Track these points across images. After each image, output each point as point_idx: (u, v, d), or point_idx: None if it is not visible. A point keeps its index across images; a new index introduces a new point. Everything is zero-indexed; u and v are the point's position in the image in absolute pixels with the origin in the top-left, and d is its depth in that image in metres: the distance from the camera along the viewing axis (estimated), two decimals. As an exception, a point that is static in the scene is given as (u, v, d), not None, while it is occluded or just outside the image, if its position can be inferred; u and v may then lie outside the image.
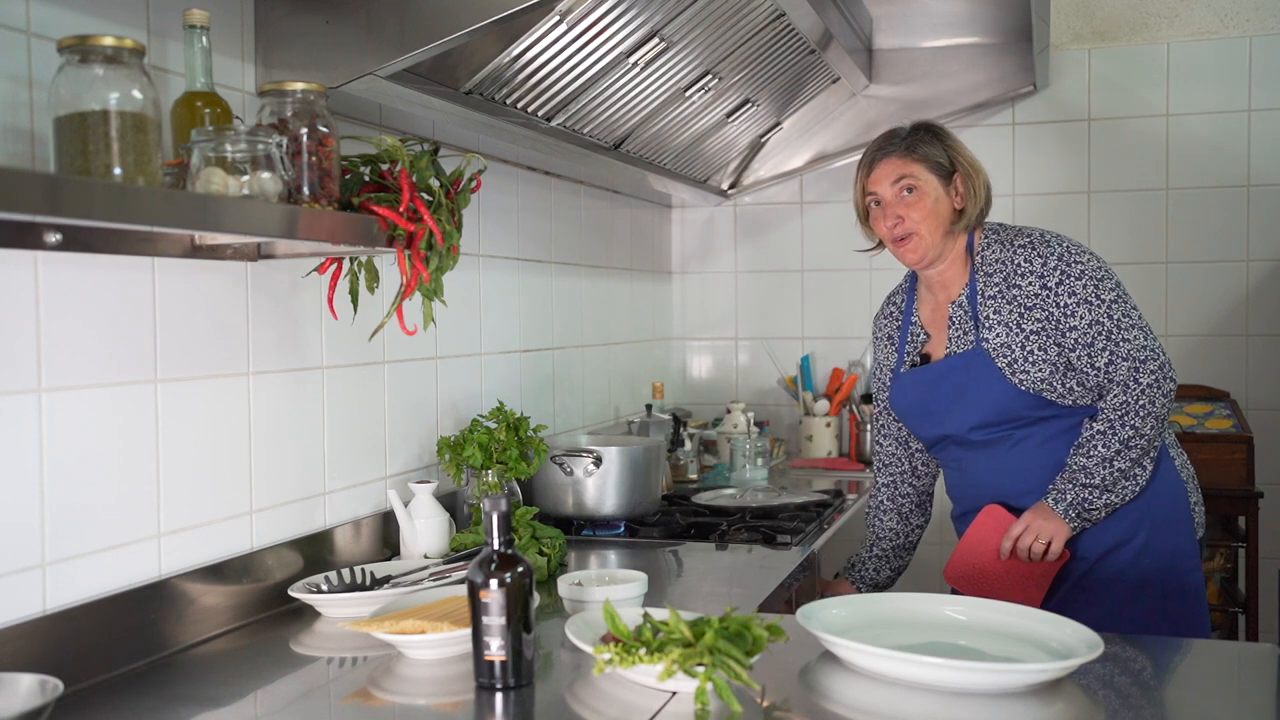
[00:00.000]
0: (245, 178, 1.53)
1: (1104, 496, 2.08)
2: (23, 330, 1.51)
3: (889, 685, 1.50)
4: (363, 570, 2.00)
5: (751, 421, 3.66)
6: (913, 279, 2.35)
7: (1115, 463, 2.06)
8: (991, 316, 2.15)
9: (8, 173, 1.24)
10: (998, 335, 2.13)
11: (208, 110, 1.63)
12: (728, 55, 2.82)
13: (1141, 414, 2.06)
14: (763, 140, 3.75)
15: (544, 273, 3.07)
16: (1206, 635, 2.19)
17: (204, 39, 1.65)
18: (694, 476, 3.46)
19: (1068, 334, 2.09)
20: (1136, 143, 3.70)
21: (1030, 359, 2.10)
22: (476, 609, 1.50)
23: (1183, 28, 3.65)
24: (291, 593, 1.90)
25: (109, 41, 1.36)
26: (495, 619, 1.49)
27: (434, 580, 1.94)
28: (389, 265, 2.09)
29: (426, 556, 2.17)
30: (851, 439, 3.81)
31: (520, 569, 1.50)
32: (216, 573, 1.82)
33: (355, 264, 1.99)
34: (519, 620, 1.50)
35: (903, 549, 2.42)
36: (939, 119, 2.33)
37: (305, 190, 1.66)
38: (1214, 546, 3.42)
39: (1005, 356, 2.12)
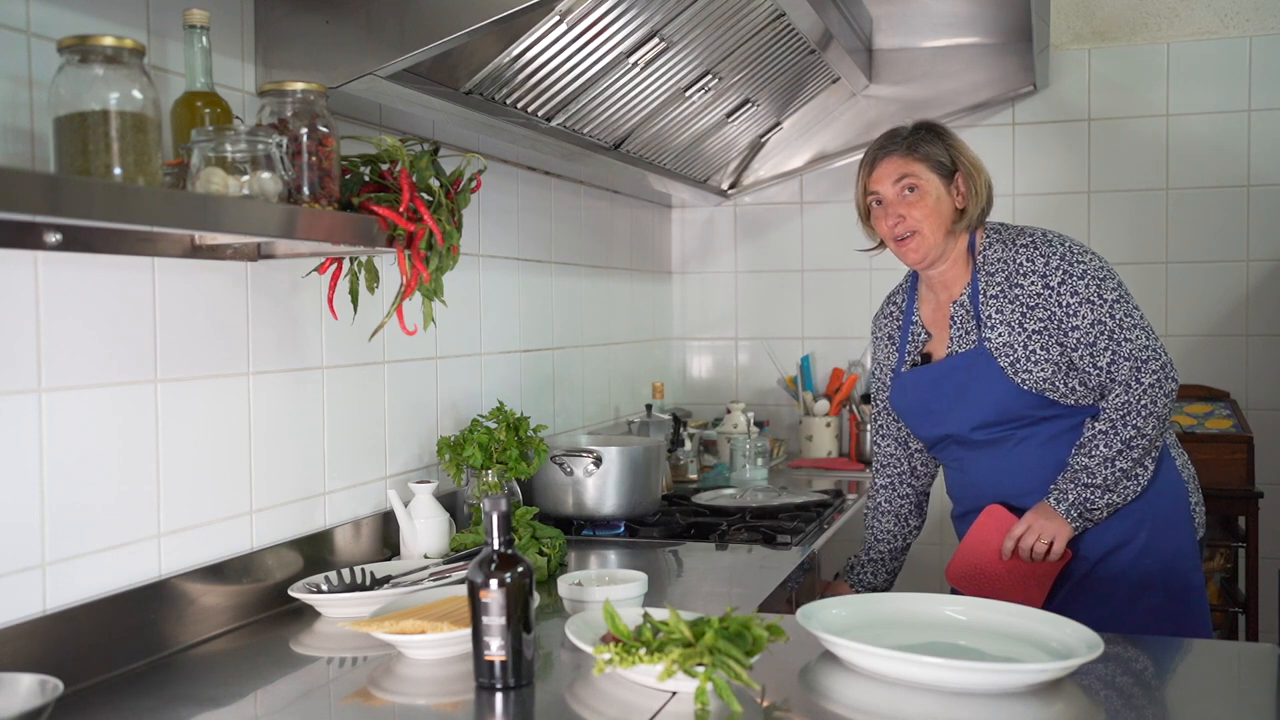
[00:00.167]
0: (245, 178, 1.53)
1: (1106, 496, 2.07)
2: (23, 330, 1.51)
3: (889, 685, 1.50)
4: (363, 570, 2.00)
5: (751, 421, 3.66)
6: (913, 279, 2.35)
7: (1117, 463, 2.06)
8: (994, 316, 2.15)
9: (8, 173, 1.24)
10: (1000, 335, 2.13)
11: (208, 110, 1.63)
12: (728, 55, 2.82)
13: (1143, 414, 2.06)
14: (763, 140, 3.75)
15: (544, 273, 3.07)
16: (1209, 635, 2.19)
17: (204, 39, 1.65)
18: (694, 476, 3.46)
19: (1070, 333, 2.09)
20: (1136, 143, 3.70)
21: (1032, 358, 2.10)
22: (476, 609, 1.50)
23: (1183, 28, 3.65)
24: (291, 593, 1.90)
25: (109, 41, 1.36)
26: (495, 619, 1.49)
27: (434, 580, 1.94)
28: (389, 265, 2.09)
29: (426, 556, 2.17)
30: (851, 439, 3.81)
31: (520, 569, 1.50)
32: (216, 573, 1.82)
33: (355, 264, 1.99)
34: (519, 620, 1.50)
35: (899, 550, 2.42)
36: (939, 119, 2.32)
37: (305, 190, 1.66)
38: (1214, 546, 3.42)
39: (1007, 356, 2.12)
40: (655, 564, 2.36)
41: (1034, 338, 2.11)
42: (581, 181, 3.32)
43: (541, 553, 2.21)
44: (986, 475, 2.22)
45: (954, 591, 2.25)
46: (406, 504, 2.20)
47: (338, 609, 1.88)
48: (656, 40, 2.49)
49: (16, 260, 1.50)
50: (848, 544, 2.89)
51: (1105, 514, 2.10)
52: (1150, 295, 3.65)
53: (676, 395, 4.12)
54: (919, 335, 2.30)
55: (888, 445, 2.41)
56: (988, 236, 2.21)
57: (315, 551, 2.05)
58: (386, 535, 2.25)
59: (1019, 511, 2.16)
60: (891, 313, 2.38)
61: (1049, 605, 2.11)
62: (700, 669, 1.40)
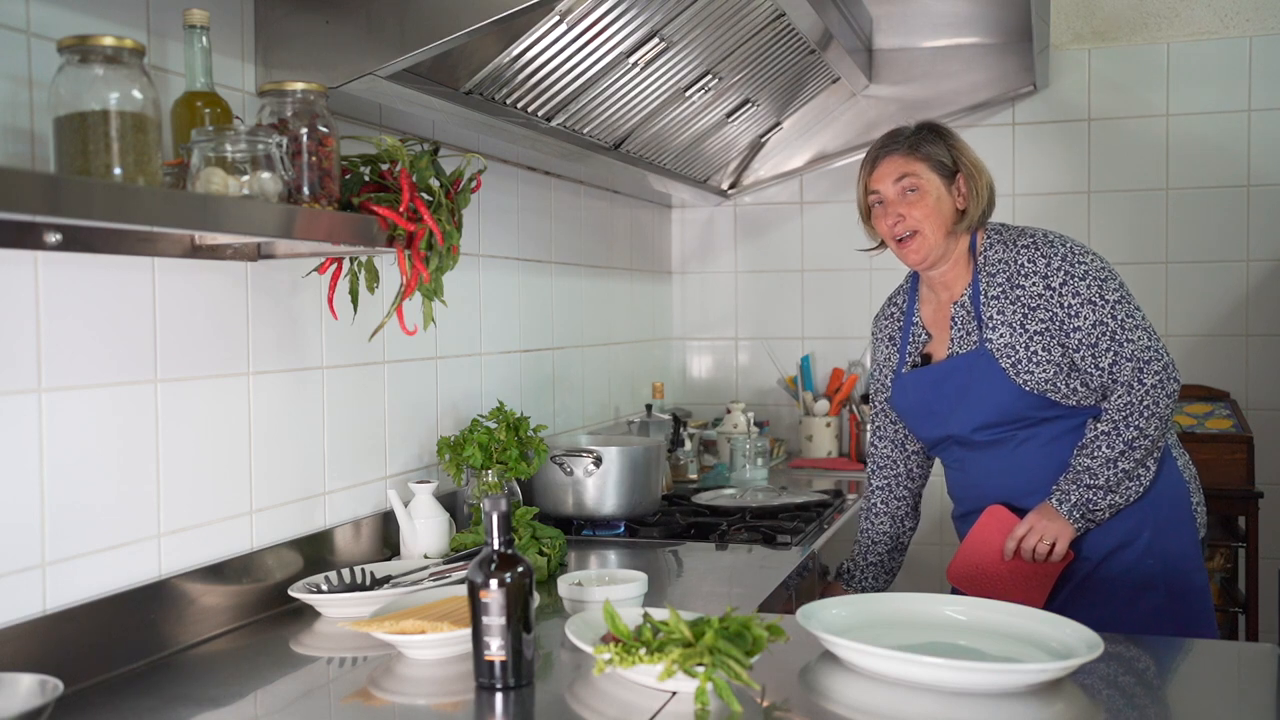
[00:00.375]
0: (245, 178, 1.53)
1: (1108, 497, 2.07)
2: (23, 330, 1.51)
3: (889, 685, 1.50)
4: (363, 570, 2.00)
5: (751, 421, 3.66)
6: (914, 279, 2.35)
7: (1119, 463, 2.06)
8: (995, 317, 2.14)
9: (8, 173, 1.24)
10: (1001, 336, 2.13)
11: (208, 110, 1.63)
12: (728, 55, 2.82)
13: (1145, 415, 2.06)
14: (763, 140, 3.75)
15: (544, 273, 3.07)
16: (1213, 635, 2.19)
17: (204, 39, 1.65)
18: (694, 476, 3.46)
19: (1071, 334, 2.09)
20: (1136, 143, 3.70)
21: (1034, 359, 2.10)
22: (476, 609, 1.50)
23: (1183, 28, 3.65)
24: (291, 593, 1.90)
25: (109, 41, 1.36)
26: (495, 619, 1.49)
27: (434, 580, 1.94)
28: (389, 265, 2.09)
29: (426, 556, 2.17)
30: (851, 439, 3.81)
31: (520, 569, 1.50)
32: (216, 573, 1.82)
33: (355, 264, 1.99)
34: (519, 620, 1.50)
35: (895, 551, 2.42)
36: (939, 119, 2.32)
37: (305, 190, 1.66)
38: (1214, 546, 3.42)
39: (1009, 357, 2.12)
40: (655, 564, 2.36)
41: (1035, 339, 2.10)
42: (581, 181, 3.32)
43: (541, 553, 2.21)
44: (988, 476, 2.22)
45: (955, 591, 2.24)
46: (406, 504, 2.20)
47: (338, 609, 1.88)
48: (656, 40, 2.49)
49: (16, 260, 1.50)
50: (848, 544, 2.88)
51: (1107, 515, 2.10)
52: (1150, 295, 3.65)
53: (676, 395, 4.12)
54: (920, 336, 2.30)
55: (885, 447, 2.41)
56: (989, 237, 2.21)
57: (315, 551, 2.05)
58: (386, 535, 2.25)
59: (1020, 512, 2.16)
60: (892, 313, 2.38)
61: (1051, 606, 2.11)
62: (700, 669, 1.40)
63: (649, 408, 3.51)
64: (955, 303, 2.22)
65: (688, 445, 3.46)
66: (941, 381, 2.21)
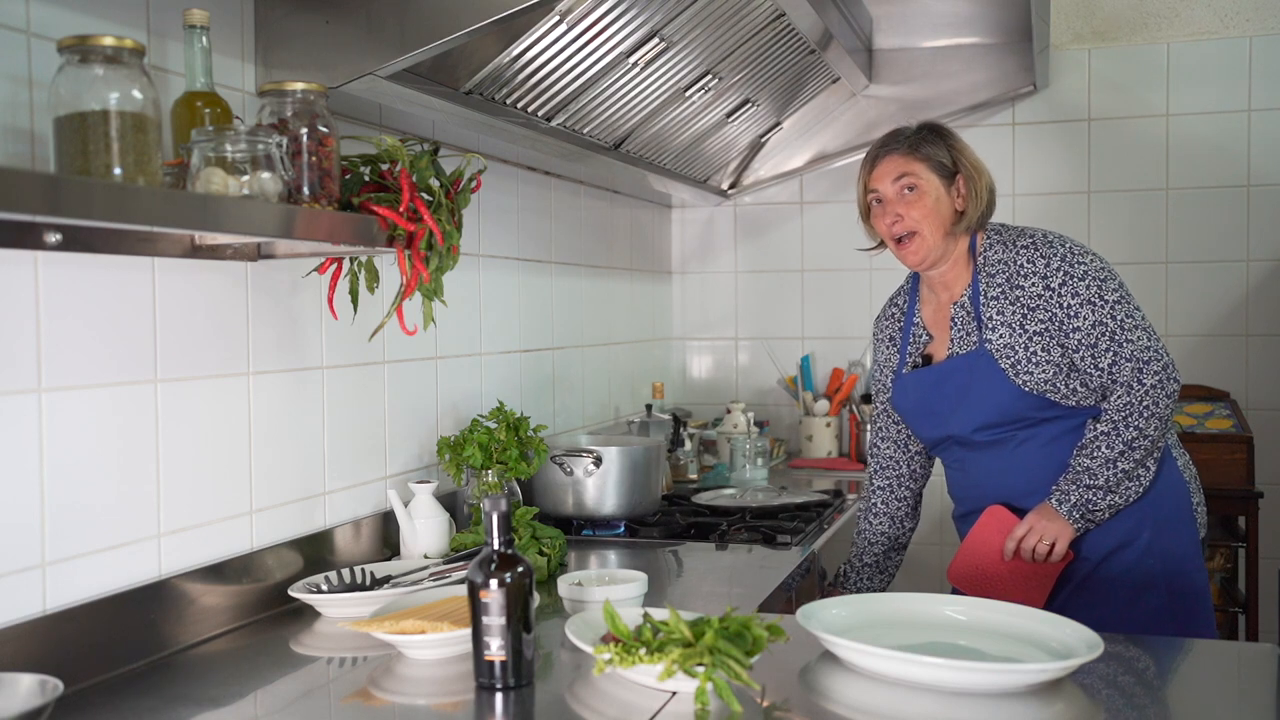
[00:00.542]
0: (245, 178, 1.53)
1: (1108, 497, 2.07)
2: (23, 330, 1.51)
3: (889, 685, 1.50)
4: (363, 570, 2.00)
5: (751, 421, 3.66)
6: (914, 280, 2.35)
7: (1119, 464, 2.06)
8: (995, 317, 2.14)
9: (8, 173, 1.24)
10: (1001, 336, 2.13)
11: (208, 110, 1.63)
12: (728, 55, 2.82)
13: (1145, 415, 2.06)
14: (763, 140, 3.75)
15: (544, 273, 3.07)
16: (1213, 635, 2.19)
17: (204, 39, 1.65)
18: (694, 476, 3.46)
19: (1071, 335, 2.09)
20: (1136, 143, 3.70)
21: (1034, 360, 2.10)
22: (476, 609, 1.50)
23: (1183, 28, 3.65)
24: (291, 593, 1.90)
25: (109, 41, 1.36)
26: (495, 619, 1.49)
27: (434, 580, 1.94)
28: (389, 265, 2.09)
29: (426, 556, 2.17)
30: (851, 439, 3.81)
31: (520, 569, 1.50)
32: (216, 573, 1.82)
33: (355, 264, 1.99)
34: (519, 620, 1.50)
35: (893, 551, 2.42)
36: (939, 119, 2.32)
37: (305, 190, 1.66)
38: (1214, 546, 3.42)
39: (1009, 357, 2.12)
40: (655, 564, 2.36)
41: (1035, 339, 2.11)
42: (581, 181, 3.32)
43: (541, 553, 2.21)
44: (988, 476, 2.22)
45: (955, 591, 2.25)
46: (406, 504, 2.20)
47: (338, 609, 1.88)
48: (656, 40, 2.49)
49: (16, 260, 1.50)
50: (848, 544, 2.88)
51: (1107, 515, 2.10)
52: (1150, 295, 3.65)
53: (676, 395, 4.12)
54: (920, 337, 2.30)
55: (887, 448, 2.41)
56: (988, 237, 2.21)
57: (315, 551, 2.05)
58: (386, 535, 2.25)
59: (1020, 512, 2.16)
60: (893, 314, 2.38)
61: (1051, 606, 2.11)
62: (700, 669, 1.40)
63: (649, 408, 3.51)
64: (955, 303, 2.22)
65: (688, 445, 3.46)
66: (941, 382, 2.21)
